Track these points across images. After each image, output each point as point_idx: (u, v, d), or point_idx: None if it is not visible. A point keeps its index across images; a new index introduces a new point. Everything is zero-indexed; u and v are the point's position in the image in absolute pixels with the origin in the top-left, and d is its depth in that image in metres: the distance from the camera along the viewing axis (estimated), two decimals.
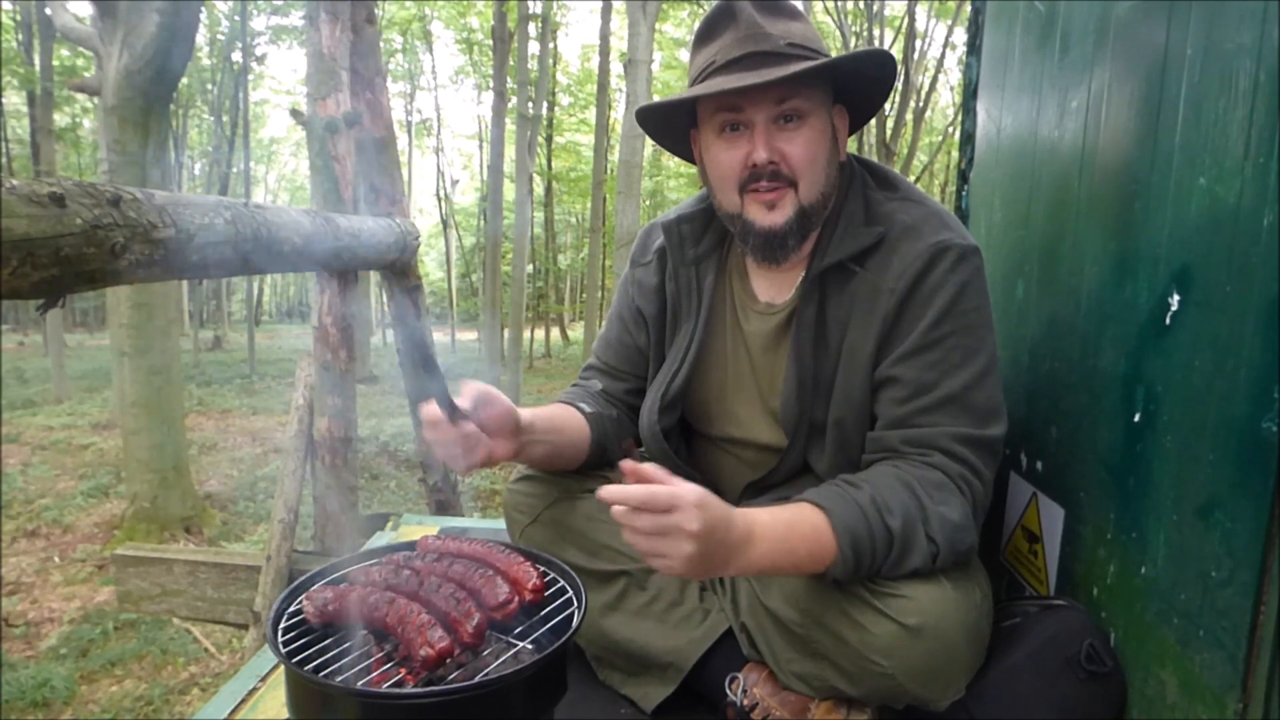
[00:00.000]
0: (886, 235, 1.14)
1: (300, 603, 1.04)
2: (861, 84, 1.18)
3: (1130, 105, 1.06)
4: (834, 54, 1.13)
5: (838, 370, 1.17)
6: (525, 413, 1.20)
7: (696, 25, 1.20)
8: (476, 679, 0.90)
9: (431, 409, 1.08)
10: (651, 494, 0.89)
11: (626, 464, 0.92)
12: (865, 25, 13.07)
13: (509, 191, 13.24)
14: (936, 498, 1.03)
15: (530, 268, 16.55)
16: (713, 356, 1.31)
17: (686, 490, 0.91)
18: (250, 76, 17.01)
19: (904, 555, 1.01)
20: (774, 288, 1.26)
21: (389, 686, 0.91)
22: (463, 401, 1.09)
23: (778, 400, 1.22)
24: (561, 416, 1.30)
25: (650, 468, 0.93)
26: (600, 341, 1.45)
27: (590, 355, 1.48)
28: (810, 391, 1.18)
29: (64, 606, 4.90)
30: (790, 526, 1.00)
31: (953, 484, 1.05)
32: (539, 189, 17.99)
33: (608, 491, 0.92)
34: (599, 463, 1.37)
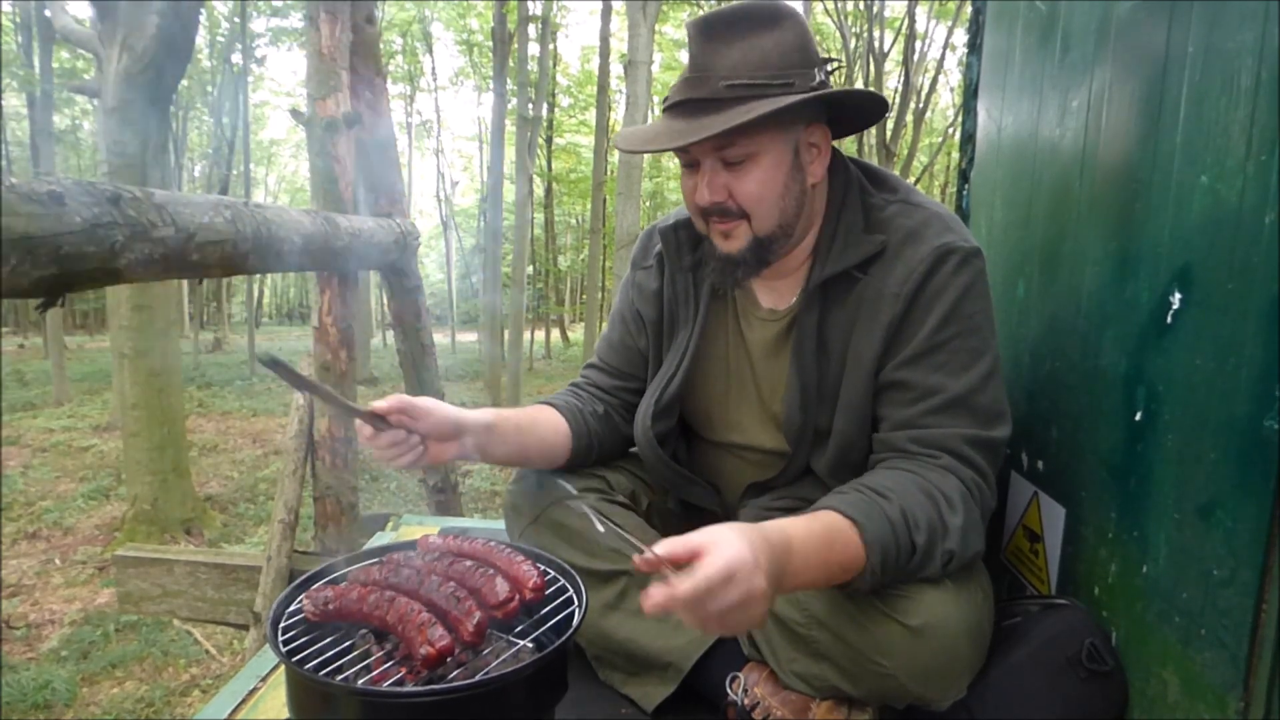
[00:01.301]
0: (888, 242, 1.13)
1: (300, 602, 1.03)
2: (849, 99, 1.15)
3: (1131, 105, 1.06)
4: (832, 55, 1.11)
5: (842, 376, 1.16)
6: (489, 414, 1.21)
7: None
8: (477, 678, 0.89)
9: (361, 425, 1.11)
10: (706, 580, 0.78)
11: (645, 560, 0.82)
12: (865, 26, 13.06)
13: (509, 193, 13.24)
14: (953, 507, 1.03)
15: (530, 269, 16.56)
16: (712, 362, 1.31)
17: (733, 550, 0.80)
18: (250, 78, 17.03)
19: (921, 567, 1.01)
20: (776, 294, 1.25)
21: (389, 685, 0.91)
22: (382, 406, 1.10)
23: (779, 406, 1.22)
24: (533, 417, 1.31)
25: (671, 547, 0.83)
26: (602, 341, 1.45)
27: (591, 355, 1.48)
28: (813, 399, 1.18)
29: (65, 608, 4.89)
30: (829, 547, 0.95)
31: (966, 490, 1.05)
32: (539, 190, 18.00)
33: (657, 602, 0.79)
34: (588, 461, 1.37)
